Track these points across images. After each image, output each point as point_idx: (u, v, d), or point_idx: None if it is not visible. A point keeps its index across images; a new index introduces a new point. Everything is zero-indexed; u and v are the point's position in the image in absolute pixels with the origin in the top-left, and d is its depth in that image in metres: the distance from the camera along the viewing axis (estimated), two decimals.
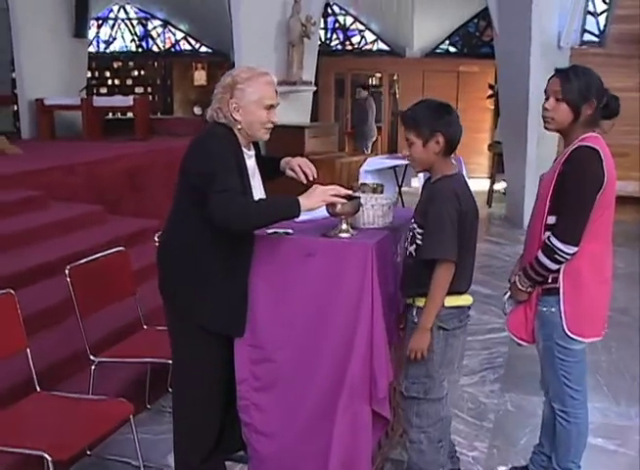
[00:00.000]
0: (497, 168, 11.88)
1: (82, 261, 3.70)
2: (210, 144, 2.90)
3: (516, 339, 3.21)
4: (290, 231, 3.03)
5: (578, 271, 2.96)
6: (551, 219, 2.96)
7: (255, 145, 3.15)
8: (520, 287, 3.09)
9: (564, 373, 3.07)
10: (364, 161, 9.14)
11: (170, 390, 4.28)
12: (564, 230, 2.89)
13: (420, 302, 2.92)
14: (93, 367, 3.65)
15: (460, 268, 2.85)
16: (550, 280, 2.99)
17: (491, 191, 11.86)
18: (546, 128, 3.07)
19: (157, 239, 4.11)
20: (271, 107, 2.98)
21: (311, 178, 3.19)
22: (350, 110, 15.33)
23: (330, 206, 2.96)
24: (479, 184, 11.43)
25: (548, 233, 2.95)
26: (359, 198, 3.03)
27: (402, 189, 9.59)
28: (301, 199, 2.82)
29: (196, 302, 2.98)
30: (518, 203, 10.07)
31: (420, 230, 2.89)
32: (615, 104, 3.00)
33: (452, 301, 2.90)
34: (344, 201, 2.91)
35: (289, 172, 3.25)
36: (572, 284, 2.97)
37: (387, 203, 3.16)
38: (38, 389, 3.28)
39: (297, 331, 2.98)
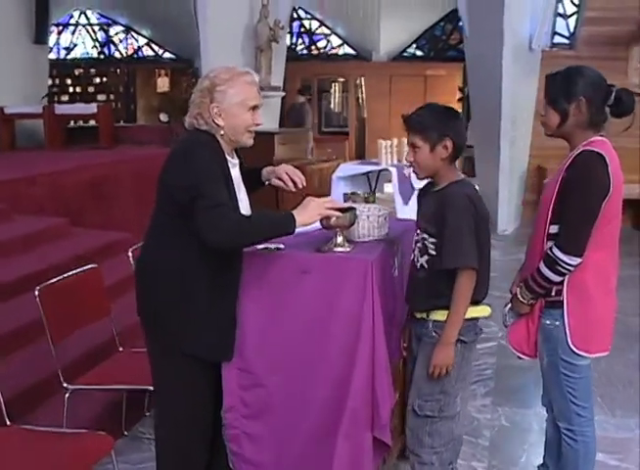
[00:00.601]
0: (468, 172, 11.78)
1: (53, 281, 3.43)
2: (195, 154, 2.64)
3: (517, 353, 3.02)
4: (281, 246, 2.82)
5: (583, 283, 2.78)
6: (553, 228, 2.77)
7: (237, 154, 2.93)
8: (521, 299, 2.89)
9: (570, 390, 2.89)
10: (336, 167, 8.95)
11: (148, 414, 4.07)
12: (567, 240, 2.71)
13: (436, 315, 2.73)
14: (67, 395, 3.38)
15: (477, 276, 2.67)
16: (554, 293, 2.81)
17: None
18: (545, 134, 2.92)
19: (130, 254, 3.89)
20: (255, 108, 2.75)
21: (300, 186, 2.98)
22: (286, 115, 15.06)
23: (324, 218, 2.76)
24: None
25: (550, 243, 2.76)
26: (354, 209, 2.82)
27: (376, 195, 9.41)
28: (296, 214, 2.61)
29: (180, 325, 2.74)
30: (491, 207, 9.94)
31: (433, 240, 2.69)
32: (628, 99, 2.78)
33: (470, 312, 2.71)
34: (340, 213, 2.70)
35: (275, 181, 3.02)
36: (577, 297, 2.79)
37: (382, 213, 2.97)
38: (8, 422, 3.00)
39: (291, 354, 2.77)
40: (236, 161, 2.86)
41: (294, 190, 2.98)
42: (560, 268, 2.71)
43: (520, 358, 3.05)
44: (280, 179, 3.00)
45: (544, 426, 3.98)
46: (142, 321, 2.87)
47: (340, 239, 2.79)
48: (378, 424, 2.71)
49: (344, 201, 3.35)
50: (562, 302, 2.80)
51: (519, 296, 2.90)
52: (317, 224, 2.84)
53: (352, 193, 3.37)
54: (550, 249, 2.74)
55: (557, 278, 2.75)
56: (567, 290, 2.78)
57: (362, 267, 2.65)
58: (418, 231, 2.80)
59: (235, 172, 2.81)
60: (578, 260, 2.69)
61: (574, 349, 2.80)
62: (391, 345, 2.83)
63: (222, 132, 2.72)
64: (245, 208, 2.83)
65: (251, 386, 2.84)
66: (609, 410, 4.29)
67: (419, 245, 2.78)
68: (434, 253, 2.70)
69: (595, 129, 2.79)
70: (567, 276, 2.75)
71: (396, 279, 2.99)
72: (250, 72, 2.79)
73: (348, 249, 2.78)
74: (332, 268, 2.72)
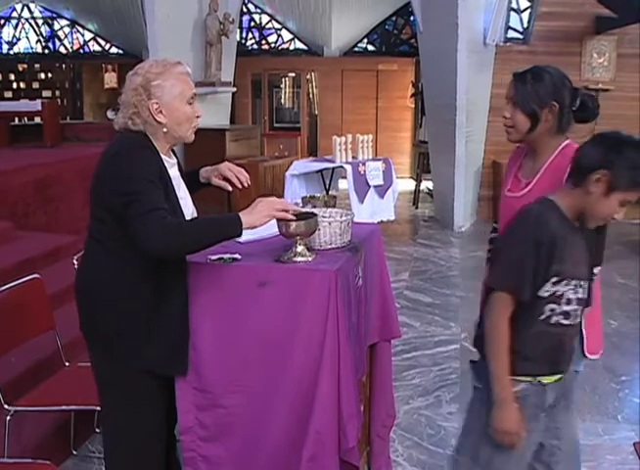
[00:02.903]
0: (422, 168, 11.70)
1: None
2: (128, 156, 2.43)
3: None
4: (237, 256, 2.62)
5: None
6: None
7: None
8: None
9: None
10: (289, 164, 8.78)
11: (98, 431, 3.84)
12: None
13: None
14: (8, 418, 3.14)
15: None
16: None
17: (417, 191, 11.66)
18: (509, 139, 2.68)
19: (75, 261, 3.65)
20: (193, 99, 2.57)
21: (246, 185, 2.82)
22: None
23: (282, 225, 2.57)
24: (402, 184, 11.16)
25: None
26: (315, 215, 2.63)
27: (330, 193, 9.28)
28: (243, 215, 2.41)
29: (123, 337, 2.53)
30: (447, 203, 9.89)
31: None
32: (592, 104, 2.63)
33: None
34: (293, 217, 2.52)
35: (216, 181, 2.86)
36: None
37: (345, 219, 2.77)
38: None
39: (251, 372, 2.57)
40: (174, 160, 2.68)
41: (239, 187, 2.83)
42: None
43: None
44: (224, 178, 2.84)
45: None
46: (85, 336, 2.66)
47: (300, 248, 2.60)
48: (345, 446, 2.52)
49: (303, 204, 3.17)
50: None
51: None
52: (273, 230, 2.67)
53: (312, 196, 3.17)
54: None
55: None
56: None
57: (325, 278, 2.46)
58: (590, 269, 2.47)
59: (174, 172, 2.63)
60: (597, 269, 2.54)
61: (588, 354, 2.70)
62: (357, 360, 2.66)
63: (165, 130, 2.53)
64: (188, 206, 2.66)
65: (209, 406, 2.64)
66: (578, 415, 4.17)
67: (582, 285, 2.40)
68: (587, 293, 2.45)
69: (562, 134, 2.62)
70: None
71: (361, 289, 2.81)
72: (181, 63, 2.59)
73: (310, 258, 2.60)
74: (292, 280, 2.52)
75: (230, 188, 2.86)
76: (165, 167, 2.55)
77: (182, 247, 2.39)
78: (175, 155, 2.73)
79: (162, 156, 2.56)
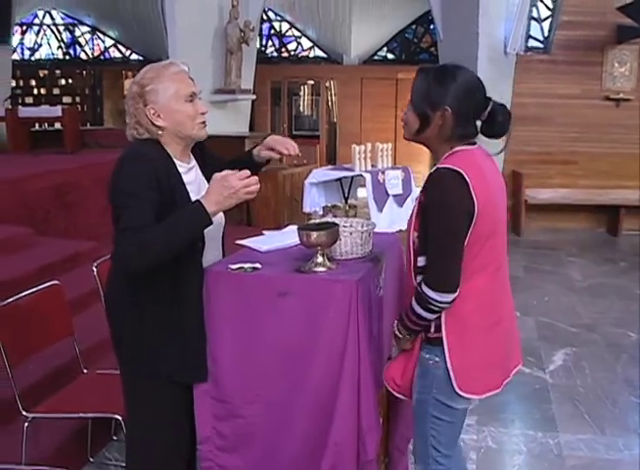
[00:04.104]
0: None
1: (11, 300, 3.18)
2: (118, 169, 2.42)
3: (389, 388, 2.61)
4: (258, 266, 2.61)
5: (462, 317, 2.36)
6: (421, 261, 2.38)
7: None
8: (399, 335, 2.48)
9: (434, 433, 2.48)
10: (308, 172, 8.76)
11: (115, 438, 3.84)
12: (434, 276, 2.30)
13: None
14: (26, 425, 3.13)
15: None
16: (433, 329, 2.40)
17: None
18: (404, 138, 2.50)
19: (95, 269, 3.65)
20: (193, 96, 2.53)
21: (293, 154, 2.77)
22: None
23: (303, 235, 2.56)
24: None
25: (420, 278, 2.37)
26: (336, 225, 2.62)
27: (349, 201, 9.24)
28: (205, 203, 2.32)
29: (144, 346, 2.56)
30: None
31: None
32: (504, 119, 2.40)
33: None
34: (257, 185, 2.37)
35: (265, 153, 2.83)
36: (458, 333, 2.37)
37: (366, 229, 2.76)
38: None
39: (270, 382, 2.55)
40: (191, 163, 2.65)
41: (286, 154, 2.79)
42: (432, 307, 2.30)
43: (396, 398, 2.70)
44: (271, 149, 2.81)
45: (532, 447, 3.85)
46: (113, 345, 2.69)
47: (320, 258, 2.58)
48: (364, 458, 2.50)
49: (324, 213, 3.15)
50: (441, 339, 2.37)
51: (396, 331, 2.50)
52: (296, 240, 2.66)
53: (333, 206, 3.16)
54: (419, 285, 2.33)
55: (431, 316, 2.34)
56: (445, 327, 2.36)
57: (346, 289, 2.44)
58: None
59: (190, 176, 2.60)
60: (453, 296, 2.29)
61: (460, 391, 2.38)
62: (377, 372, 2.63)
63: (166, 133, 2.52)
64: None
65: (227, 416, 2.63)
66: (598, 429, 4.13)
67: None
68: None
69: (462, 142, 2.39)
70: (445, 313, 2.35)
71: (382, 300, 2.79)
72: (174, 63, 2.57)
73: (331, 268, 2.58)
74: (313, 290, 2.50)
75: (277, 156, 2.81)
76: (178, 173, 2.53)
77: (153, 257, 2.31)
78: (202, 154, 2.71)
79: (176, 160, 2.55)
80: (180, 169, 2.55)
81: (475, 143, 2.43)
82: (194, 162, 2.68)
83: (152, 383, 2.58)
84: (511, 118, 2.41)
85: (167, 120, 2.50)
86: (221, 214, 2.62)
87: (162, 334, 2.54)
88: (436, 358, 2.39)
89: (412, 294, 2.38)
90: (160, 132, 2.52)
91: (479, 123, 2.44)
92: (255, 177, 2.36)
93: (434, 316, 2.35)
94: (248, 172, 2.36)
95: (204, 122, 2.58)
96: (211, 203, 2.32)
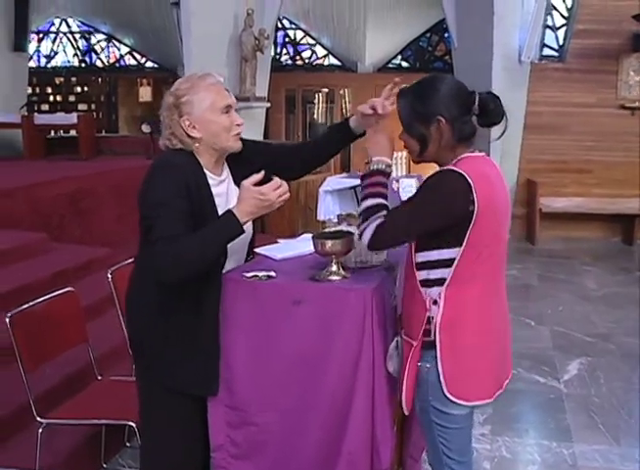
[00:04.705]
0: None
1: (26, 306, 3.20)
2: (148, 179, 2.43)
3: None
4: (272, 274, 2.61)
5: (455, 322, 2.33)
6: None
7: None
8: None
9: (443, 441, 2.45)
10: (323, 180, 8.76)
11: (129, 444, 3.85)
12: (380, 230, 2.29)
13: None
14: (40, 430, 3.14)
15: None
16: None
17: None
18: (413, 161, 2.50)
19: (110, 275, 3.67)
20: (229, 108, 2.52)
21: (380, 112, 2.64)
22: None
23: (318, 243, 2.56)
24: None
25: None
26: (351, 234, 2.62)
27: None
28: (236, 210, 2.32)
29: (160, 358, 2.57)
30: None
31: None
32: (496, 105, 2.36)
33: None
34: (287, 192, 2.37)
35: (361, 120, 2.72)
36: (449, 338, 2.33)
37: None
38: None
39: (283, 390, 2.55)
40: (223, 176, 2.63)
41: (380, 113, 2.64)
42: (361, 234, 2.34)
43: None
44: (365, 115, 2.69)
45: (546, 458, 3.83)
46: (131, 349, 2.72)
47: (335, 266, 2.58)
48: (377, 468, 2.49)
49: (338, 222, 3.15)
50: (434, 342, 2.34)
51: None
52: (310, 248, 2.66)
53: (348, 214, 3.15)
54: (364, 223, 2.33)
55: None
56: (439, 330, 2.32)
57: (361, 298, 2.44)
58: None
59: (219, 188, 2.59)
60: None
61: (450, 396, 2.35)
62: (392, 381, 2.62)
63: (200, 144, 2.51)
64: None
65: (241, 424, 2.63)
66: (613, 439, 4.09)
67: None
68: None
69: (465, 144, 2.39)
70: (437, 315, 2.32)
71: (394, 310, 2.78)
72: (211, 74, 2.55)
73: (345, 277, 2.58)
74: (327, 299, 2.50)
75: (371, 111, 2.66)
76: (208, 186, 2.53)
77: (188, 268, 2.32)
78: (238, 166, 2.66)
79: (207, 172, 2.54)
80: (210, 181, 2.54)
81: (482, 151, 2.44)
82: (225, 174, 2.66)
83: (166, 390, 2.58)
84: (501, 102, 2.38)
85: (202, 132, 2.49)
86: (250, 224, 2.60)
87: (181, 345, 2.55)
88: (428, 365, 2.37)
89: (408, 302, 2.41)
90: (195, 144, 2.51)
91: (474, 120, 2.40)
92: (286, 185, 2.37)
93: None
94: (279, 181, 2.36)
95: (238, 134, 2.57)
96: (244, 213, 2.33)
